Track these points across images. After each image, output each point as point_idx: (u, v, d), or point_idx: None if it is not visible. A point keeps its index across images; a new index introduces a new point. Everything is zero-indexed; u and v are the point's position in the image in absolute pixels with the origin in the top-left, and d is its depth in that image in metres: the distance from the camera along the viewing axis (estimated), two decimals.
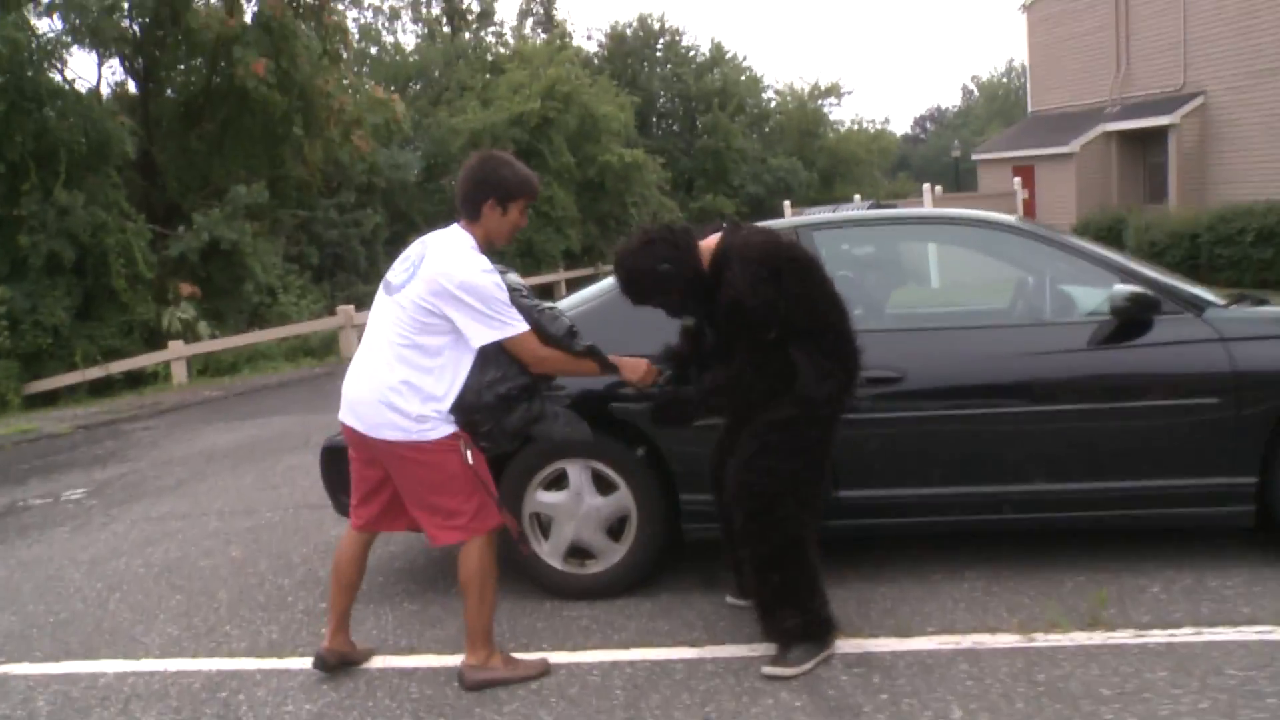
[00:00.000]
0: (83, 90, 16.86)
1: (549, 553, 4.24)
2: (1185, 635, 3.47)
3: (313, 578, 4.90)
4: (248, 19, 17.56)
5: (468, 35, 36.24)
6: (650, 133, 38.54)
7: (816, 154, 41.84)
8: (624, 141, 30.25)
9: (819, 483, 3.49)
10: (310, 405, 10.93)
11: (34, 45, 15.07)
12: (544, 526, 4.25)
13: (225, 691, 3.70)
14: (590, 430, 3.70)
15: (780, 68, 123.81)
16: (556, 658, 3.70)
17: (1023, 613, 3.76)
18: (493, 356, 3.43)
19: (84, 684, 3.88)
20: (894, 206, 17.86)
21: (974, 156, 30.22)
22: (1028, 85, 29.65)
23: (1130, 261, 4.29)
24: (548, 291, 24.92)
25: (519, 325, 3.39)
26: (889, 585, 4.13)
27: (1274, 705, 2.97)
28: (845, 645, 3.57)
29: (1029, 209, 22.83)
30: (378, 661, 3.84)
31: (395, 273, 3.51)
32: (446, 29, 36.01)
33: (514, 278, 3.59)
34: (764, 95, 43.73)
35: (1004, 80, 67.48)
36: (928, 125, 73.85)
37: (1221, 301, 4.08)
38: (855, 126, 45.40)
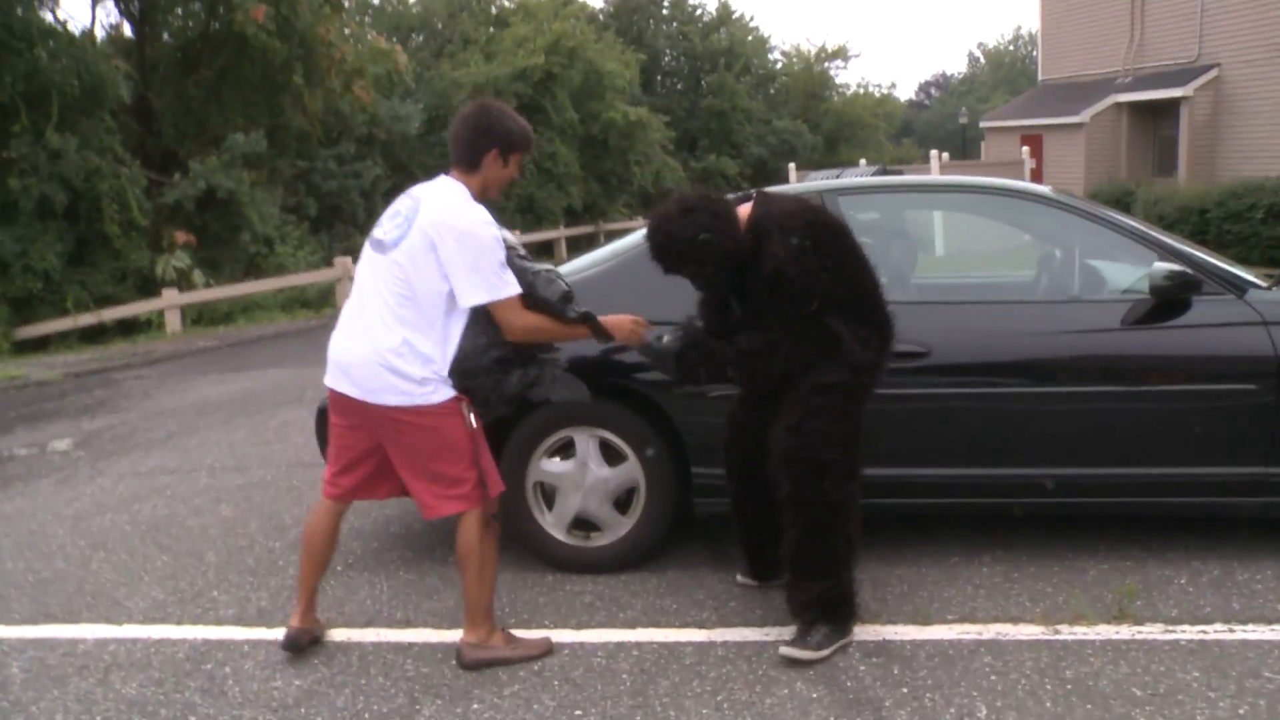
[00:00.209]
0: (76, 32, 16.48)
1: (552, 524, 4.06)
2: (1217, 632, 3.31)
3: None
4: None
5: None
6: (655, 91, 38.08)
7: (821, 117, 41.35)
8: (628, 99, 29.90)
9: (859, 453, 3.33)
10: (305, 358, 10.68)
11: None
12: (548, 496, 4.07)
13: (210, 663, 3.53)
14: (589, 392, 3.54)
15: (787, 29, 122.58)
16: (560, 636, 3.53)
17: (1045, 602, 3.61)
18: (485, 319, 3.26)
19: (62, 650, 3.70)
20: (899, 173, 17.57)
21: (982, 124, 29.80)
22: (1039, 54, 29.21)
23: (1170, 238, 4.09)
24: (547, 248, 24.69)
25: (510, 289, 3.20)
26: (905, 568, 3.97)
27: None
28: (863, 631, 3.41)
29: (1036, 178, 22.55)
30: (371, 635, 3.67)
31: (385, 229, 3.28)
32: None
33: (510, 236, 3.39)
34: (770, 56, 43.16)
35: (1011, 48, 66.90)
36: (932, 91, 73.24)
37: (1263, 284, 3.89)
38: (861, 90, 44.90)
